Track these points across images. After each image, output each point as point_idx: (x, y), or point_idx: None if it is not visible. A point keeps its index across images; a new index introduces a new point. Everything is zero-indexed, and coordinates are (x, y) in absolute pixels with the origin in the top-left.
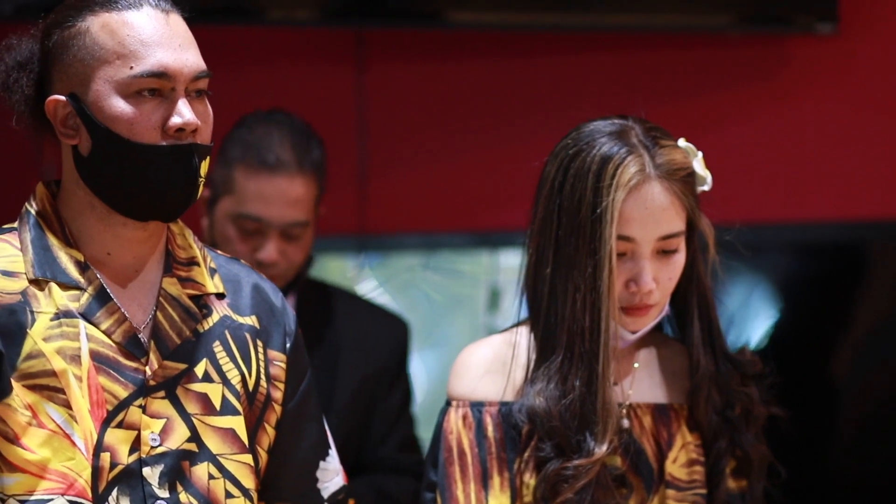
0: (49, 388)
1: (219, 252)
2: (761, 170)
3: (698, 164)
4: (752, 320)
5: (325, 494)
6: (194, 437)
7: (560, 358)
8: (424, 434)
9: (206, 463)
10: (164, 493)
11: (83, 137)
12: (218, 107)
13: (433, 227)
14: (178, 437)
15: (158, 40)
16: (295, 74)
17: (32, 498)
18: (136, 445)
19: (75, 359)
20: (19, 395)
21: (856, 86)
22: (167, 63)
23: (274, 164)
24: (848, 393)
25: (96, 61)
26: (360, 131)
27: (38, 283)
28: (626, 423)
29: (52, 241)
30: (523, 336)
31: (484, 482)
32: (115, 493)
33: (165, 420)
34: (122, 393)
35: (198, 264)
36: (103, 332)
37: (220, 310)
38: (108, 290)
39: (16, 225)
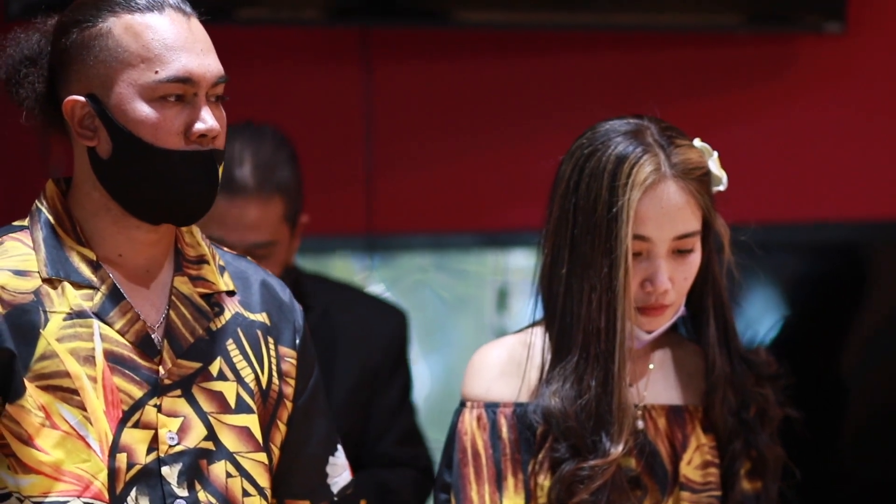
0: (63, 388)
1: (225, 249)
2: (769, 169)
3: (714, 164)
4: (760, 319)
5: (335, 489)
6: (211, 435)
7: (576, 358)
8: (430, 434)
9: (223, 461)
10: (184, 492)
11: (102, 139)
12: (225, 106)
13: (440, 227)
14: (196, 436)
15: (183, 45)
16: (302, 74)
17: (48, 500)
18: (153, 445)
19: (89, 359)
20: (33, 395)
21: (864, 85)
22: (192, 68)
23: (231, 189)
24: (856, 393)
25: (119, 64)
26: (368, 131)
27: (51, 282)
28: (640, 424)
29: (64, 240)
30: (538, 336)
31: (498, 483)
32: (133, 492)
33: (182, 419)
34: (138, 393)
35: (207, 262)
36: (117, 331)
37: (231, 307)
38: (121, 290)
39: (26, 223)
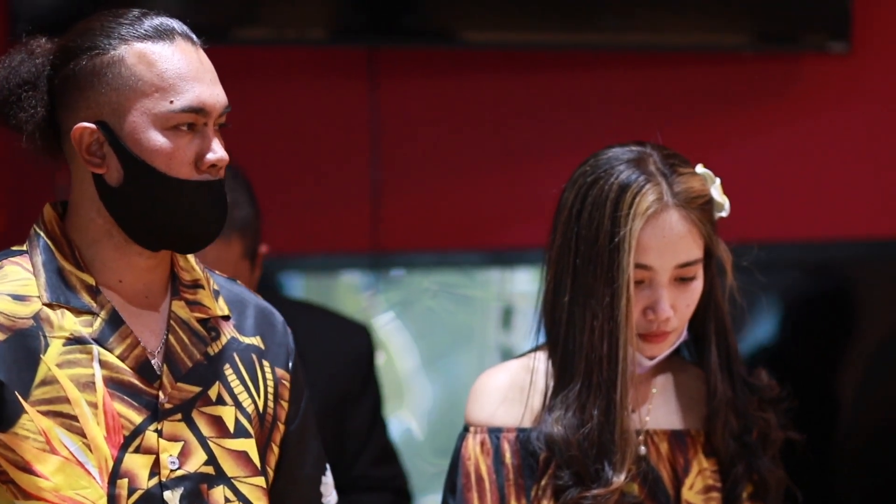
0: (63, 414)
1: (217, 273)
2: (773, 188)
3: (716, 191)
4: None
5: None
6: (211, 460)
7: (578, 386)
8: (432, 459)
9: (222, 486)
10: None
11: (112, 167)
12: (233, 126)
13: (446, 245)
14: (197, 461)
15: (195, 75)
16: (308, 93)
17: None
18: (155, 469)
19: (89, 385)
20: (33, 419)
21: (868, 104)
22: (204, 98)
23: None
24: (857, 413)
25: (133, 92)
26: (373, 150)
27: (51, 306)
28: (643, 449)
29: (63, 265)
30: (541, 361)
31: None
32: None
33: (183, 443)
34: (137, 418)
35: (202, 286)
36: (117, 356)
37: (227, 332)
38: (121, 315)
39: (25, 247)
